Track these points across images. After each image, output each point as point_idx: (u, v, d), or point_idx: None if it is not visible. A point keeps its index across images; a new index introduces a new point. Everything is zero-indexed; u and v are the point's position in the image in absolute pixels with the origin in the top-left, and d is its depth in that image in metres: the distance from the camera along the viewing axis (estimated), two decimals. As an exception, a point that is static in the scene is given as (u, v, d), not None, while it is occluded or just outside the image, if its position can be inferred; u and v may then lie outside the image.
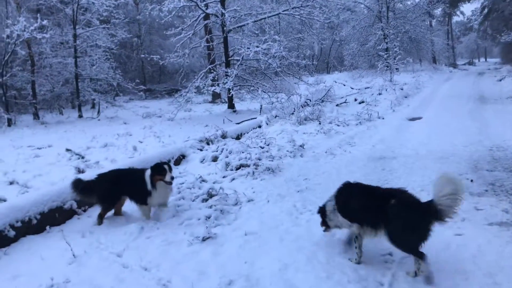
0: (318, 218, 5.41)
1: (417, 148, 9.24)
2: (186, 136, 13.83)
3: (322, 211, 4.71)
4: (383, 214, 3.95)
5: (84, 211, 6.28)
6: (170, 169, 5.71)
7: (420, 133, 10.99)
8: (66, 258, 4.68)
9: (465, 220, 5.11)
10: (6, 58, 19.83)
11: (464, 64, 55.57)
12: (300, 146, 9.64)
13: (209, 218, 5.64)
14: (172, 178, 5.68)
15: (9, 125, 18.83)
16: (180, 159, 9.18)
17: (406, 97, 20.03)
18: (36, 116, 21.53)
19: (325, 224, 4.69)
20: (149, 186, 5.64)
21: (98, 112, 23.27)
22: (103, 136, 14.49)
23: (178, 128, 16.81)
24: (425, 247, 3.92)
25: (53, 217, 5.72)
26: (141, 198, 5.73)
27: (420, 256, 3.85)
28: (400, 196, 4.05)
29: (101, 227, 5.68)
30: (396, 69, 27.98)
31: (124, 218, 5.93)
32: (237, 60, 19.72)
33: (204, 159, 8.88)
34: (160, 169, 5.64)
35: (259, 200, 6.39)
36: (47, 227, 5.59)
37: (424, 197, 5.86)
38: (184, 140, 12.30)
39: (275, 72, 20.50)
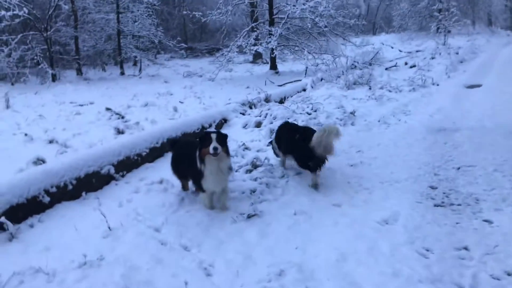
0: (376, 199, 4.86)
1: (481, 120, 8.30)
2: (227, 97, 13.35)
3: (271, 143, 6.25)
4: (292, 145, 5.46)
5: (123, 176, 5.91)
6: (221, 139, 4.43)
7: (482, 103, 9.94)
8: (101, 231, 4.30)
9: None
10: (50, 13, 19.68)
11: (524, 26, 51.37)
12: (351, 113, 8.92)
13: (254, 192, 5.12)
14: (215, 149, 4.27)
15: (53, 80, 18.87)
16: (222, 123, 8.69)
17: (461, 62, 18.49)
18: (79, 72, 21.54)
19: (275, 153, 6.09)
20: (198, 163, 4.54)
21: (140, 69, 23.05)
22: (144, 95, 14.18)
23: (219, 88, 16.30)
24: None
25: (89, 183, 5.36)
26: (196, 180, 4.72)
27: (313, 171, 5.29)
28: (302, 131, 5.45)
29: (139, 195, 5.29)
30: (449, 31, 25.96)
31: (163, 186, 5.50)
32: (282, 19, 18.71)
33: (247, 125, 8.40)
34: (205, 139, 4.42)
35: (307, 174, 5.77)
36: (83, 193, 5.24)
37: (498, 179, 5.20)
38: (225, 102, 11.84)
39: (321, 32, 19.39)
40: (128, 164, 6.07)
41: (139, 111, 10.99)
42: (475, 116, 8.65)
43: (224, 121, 8.80)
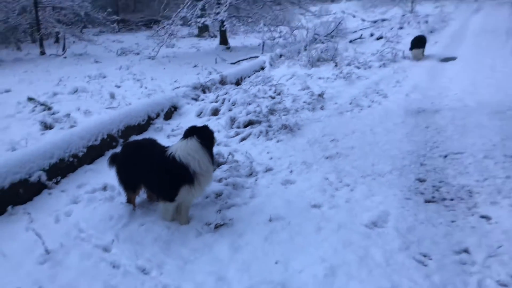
0: (360, 197, 4.83)
1: (462, 98, 8.50)
2: (173, 79, 13.03)
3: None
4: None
5: (57, 183, 5.54)
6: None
7: (460, 78, 10.21)
8: (36, 255, 3.98)
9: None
10: None
11: (491, -8, 53.76)
12: (319, 95, 8.89)
13: (219, 196, 4.95)
14: None
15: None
16: (171, 111, 8.42)
17: (431, 32, 18.99)
18: (-13, 52, 20.19)
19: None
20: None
21: (64, 48, 21.93)
22: (71, 79, 13.51)
23: (161, 68, 15.89)
24: None
25: (16, 194, 4.96)
26: (162, 188, 4.46)
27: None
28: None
29: (79, 207, 4.94)
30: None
31: (108, 194, 5.18)
32: (231, -13, 18.37)
33: (202, 113, 8.21)
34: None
35: (279, 169, 5.72)
36: (9, 208, 4.83)
37: (490, 167, 5.32)
38: (172, 85, 11.53)
39: (275, 0, 19.28)
40: (62, 168, 5.69)
41: (68, 99, 10.42)
42: (454, 94, 8.86)
43: (174, 109, 8.51)
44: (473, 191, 4.82)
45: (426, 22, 20.67)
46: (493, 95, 8.54)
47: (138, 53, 20.06)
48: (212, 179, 4.50)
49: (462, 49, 14.56)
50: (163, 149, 4.40)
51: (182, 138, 4.36)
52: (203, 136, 4.32)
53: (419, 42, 13.11)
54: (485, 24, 20.84)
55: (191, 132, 4.35)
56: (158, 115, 7.98)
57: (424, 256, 3.75)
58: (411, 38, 13.63)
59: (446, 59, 13.07)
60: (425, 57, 13.23)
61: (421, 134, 6.74)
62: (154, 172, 4.31)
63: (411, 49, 13.15)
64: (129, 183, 4.71)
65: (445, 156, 5.81)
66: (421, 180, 5.18)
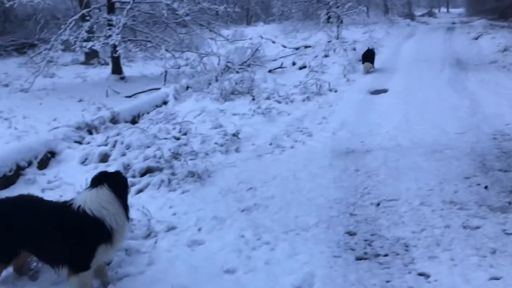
0: (282, 257, 4.90)
1: (395, 136, 9.05)
2: (51, 117, 12.69)
3: None
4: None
5: None
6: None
7: (393, 113, 10.88)
8: None
9: (497, 252, 4.80)
10: None
11: (423, 15, 58.49)
12: (233, 135, 9.05)
13: (108, 264, 4.78)
14: None
15: None
16: (47, 158, 8.17)
17: (360, 60, 20.10)
18: None
19: None
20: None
21: None
22: None
23: (36, 104, 15.43)
24: None
25: None
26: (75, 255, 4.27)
27: None
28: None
29: None
30: (341, 21, 28.29)
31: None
32: (125, 3, 18.41)
33: (87, 159, 8.06)
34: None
35: (184, 227, 5.69)
36: None
37: (427, 216, 5.63)
38: (49, 125, 11.19)
39: (181, 22, 19.55)
40: None
41: None
42: (386, 132, 9.40)
43: (51, 155, 8.27)
44: (410, 244, 5.05)
45: (354, 49, 21.84)
46: (429, 132, 9.15)
47: (6, 85, 19.24)
48: (126, 237, 4.45)
49: (394, 80, 15.60)
50: (61, 203, 4.29)
51: (90, 187, 4.29)
52: (115, 184, 4.28)
53: (369, 56, 17.34)
54: (418, 51, 22.57)
55: (101, 179, 4.29)
56: (30, 164, 7.70)
57: (357, 327, 3.85)
58: (337, 67, 14.55)
59: (376, 92, 13.90)
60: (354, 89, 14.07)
61: (350, 179, 7.02)
62: (53, 233, 4.12)
63: (362, 62, 17.32)
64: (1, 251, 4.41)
65: (378, 204, 6.07)
66: (351, 234, 5.36)
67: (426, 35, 31.14)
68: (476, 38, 26.10)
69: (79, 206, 4.06)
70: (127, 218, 4.30)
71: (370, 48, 18.40)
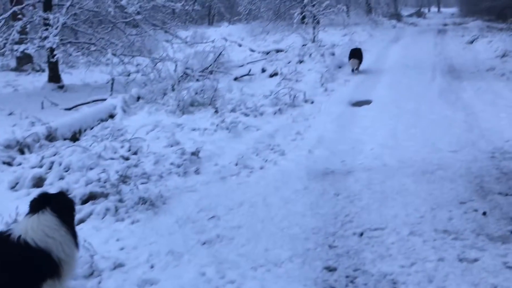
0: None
1: (381, 154, 8.91)
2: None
3: None
4: None
5: None
6: None
7: (377, 128, 10.77)
8: None
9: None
10: None
11: (411, 16, 59.36)
12: (193, 154, 8.85)
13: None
14: None
15: None
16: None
17: (340, 67, 20.14)
18: None
19: None
20: None
21: None
22: None
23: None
24: None
25: None
26: None
27: None
28: None
29: None
30: (317, 22, 28.32)
31: None
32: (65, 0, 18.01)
33: (18, 183, 7.82)
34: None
35: (134, 264, 5.41)
36: None
37: (418, 247, 5.39)
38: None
39: (130, 22, 19.44)
40: None
41: None
42: (370, 150, 9.24)
43: (-26, 179, 8.02)
44: (398, 280, 4.86)
45: (333, 54, 21.82)
46: (419, 150, 9.03)
47: None
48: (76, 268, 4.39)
49: (378, 90, 15.51)
50: None
51: (30, 212, 4.15)
52: (59, 207, 4.21)
53: (356, 53, 18.69)
54: (406, 57, 22.65)
55: (42, 202, 4.16)
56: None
57: None
58: (313, 75, 15.25)
59: (359, 103, 13.78)
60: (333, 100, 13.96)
61: (329, 205, 6.85)
62: None
63: (349, 59, 18.77)
64: None
65: (361, 234, 5.88)
66: (331, 269, 5.19)
67: (414, 38, 31.59)
68: (471, 42, 26.53)
69: (19, 237, 3.88)
70: (77, 246, 4.23)
71: (357, 47, 19.70)
